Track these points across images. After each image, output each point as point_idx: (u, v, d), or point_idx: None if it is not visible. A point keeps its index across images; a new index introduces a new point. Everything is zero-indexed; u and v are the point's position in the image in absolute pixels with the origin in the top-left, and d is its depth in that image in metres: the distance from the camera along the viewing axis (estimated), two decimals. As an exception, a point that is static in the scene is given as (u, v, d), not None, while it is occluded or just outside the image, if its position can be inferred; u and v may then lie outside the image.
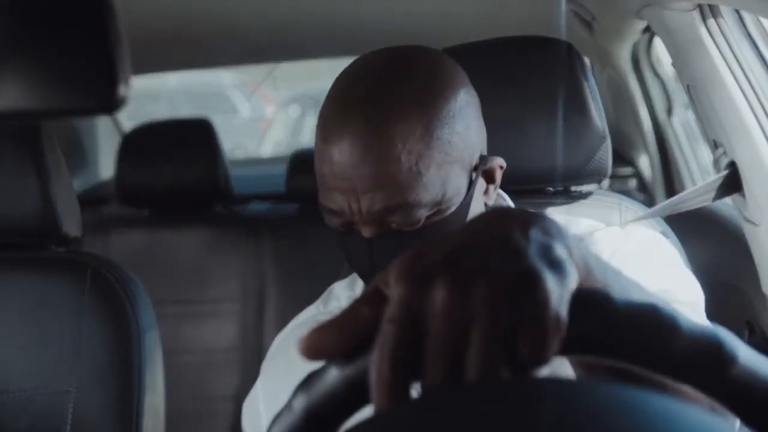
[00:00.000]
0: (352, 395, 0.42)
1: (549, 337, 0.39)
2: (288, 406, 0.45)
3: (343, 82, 0.84)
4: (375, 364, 0.40)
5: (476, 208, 0.86)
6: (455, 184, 0.82)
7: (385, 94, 0.80)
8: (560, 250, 0.42)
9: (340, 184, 0.80)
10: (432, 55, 0.86)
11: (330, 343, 0.42)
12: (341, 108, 0.81)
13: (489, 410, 0.35)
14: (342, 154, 0.79)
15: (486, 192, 0.88)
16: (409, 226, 0.80)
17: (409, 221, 0.80)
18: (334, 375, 0.43)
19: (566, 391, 0.36)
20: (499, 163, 0.87)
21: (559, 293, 0.40)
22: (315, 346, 0.42)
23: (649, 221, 1.17)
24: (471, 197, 0.84)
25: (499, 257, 0.41)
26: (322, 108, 0.84)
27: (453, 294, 0.40)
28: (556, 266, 0.41)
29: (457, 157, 0.81)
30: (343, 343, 0.42)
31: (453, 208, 0.82)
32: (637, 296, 0.49)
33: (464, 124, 0.82)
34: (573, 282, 0.42)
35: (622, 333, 0.41)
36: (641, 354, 0.41)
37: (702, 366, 0.41)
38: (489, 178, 0.88)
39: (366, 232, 0.81)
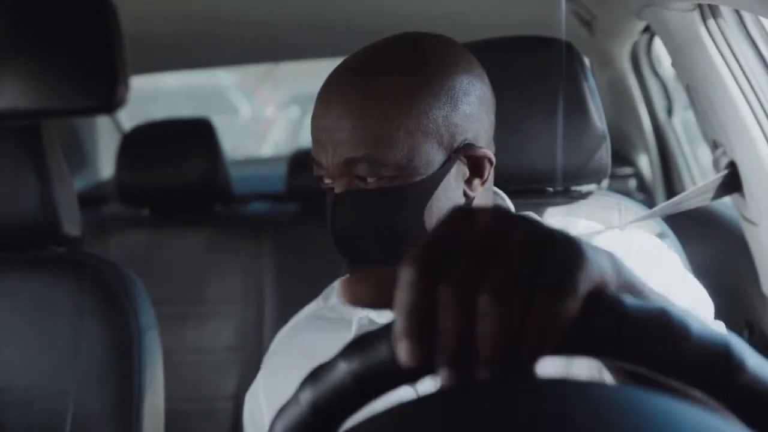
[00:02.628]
0: (359, 389, 0.42)
1: (557, 316, 0.40)
2: (294, 398, 0.45)
3: (354, 54, 0.88)
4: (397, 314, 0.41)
5: (450, 192, 0.86)
6: (426, 156, 0.83)
7: (382, 59, 0.85)
8: (574, 254, 0.42)
9: (322, 135, 0.84)
10: (445, 40, 0.88)
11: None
12: (340, 70, 0.86)
13: (489, 410, 0.35)
14: (328, 107, 0.83)
15: (469, 182, 0.88)
16: (373, 180, 0.83)
17: (371, 175, 0.83)
18: (341, 369, 0.43)
19: (566, 391, 0.36)
20: (486, 154, 0.87)
21: (571, 293, 0.40)
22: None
23: (648, 221, 1.16)
24: (443, 175, 0.84)
25: (520, 254, 0.41)
26: None
27: (467, 277, 0.40)
28: (571, 266, 0.41)
29: (434, 131, 0.83)
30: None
31: (419, 178, 0.83)
32: (649, 299, 0.48)
33: (452, 105, 0.84)
34: (585, 285, 0.42)
35: (633, 335, 0.41)
36: (651, 357, 0.41)
37: (710, 371, 0.41)
38: (476, 170, 0.87)
39: (336, 186, 0.85)
